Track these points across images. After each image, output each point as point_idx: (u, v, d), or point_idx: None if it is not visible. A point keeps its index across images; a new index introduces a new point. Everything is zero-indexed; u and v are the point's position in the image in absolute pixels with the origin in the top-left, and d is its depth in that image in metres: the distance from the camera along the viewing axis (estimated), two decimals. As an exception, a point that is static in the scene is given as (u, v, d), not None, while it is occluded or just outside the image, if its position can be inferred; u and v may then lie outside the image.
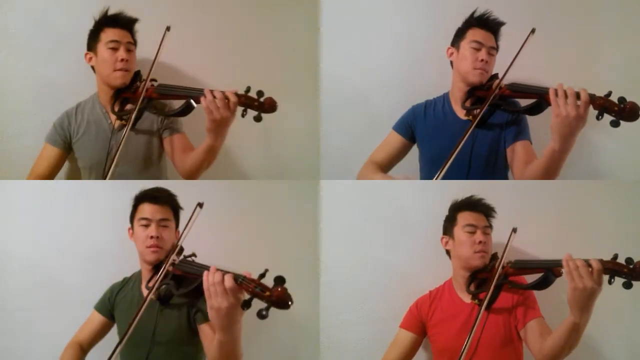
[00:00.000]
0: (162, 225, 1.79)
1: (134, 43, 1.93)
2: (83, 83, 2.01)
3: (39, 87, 2.06)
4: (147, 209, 1.80)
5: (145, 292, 1.79)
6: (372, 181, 2.05)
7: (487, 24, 1.93)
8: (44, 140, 1.98)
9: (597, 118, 1.64)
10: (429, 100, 2.04)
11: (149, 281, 1.76)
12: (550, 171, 1.76)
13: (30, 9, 2.06)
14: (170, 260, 1.70)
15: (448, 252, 1.90)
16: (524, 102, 1.89)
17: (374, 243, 2.00)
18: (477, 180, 1.95)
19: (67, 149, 1.99)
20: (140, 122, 1.90)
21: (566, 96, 1.64)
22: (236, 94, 1.70)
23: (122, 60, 1.88)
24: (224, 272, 1.46)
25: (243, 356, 1.59)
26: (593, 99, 1.64)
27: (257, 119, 1.70)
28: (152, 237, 1.77)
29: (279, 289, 1.39)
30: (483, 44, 1.90)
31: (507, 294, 1.79)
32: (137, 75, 1.91)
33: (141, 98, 1.85)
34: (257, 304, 1.42)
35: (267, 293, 1.39)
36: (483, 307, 1.75)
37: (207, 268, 1.50)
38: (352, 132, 2.10)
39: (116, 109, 1.91)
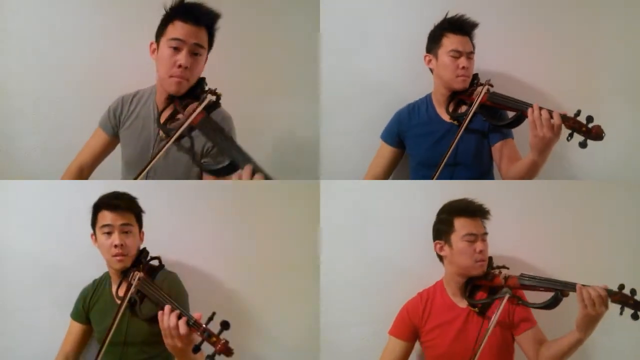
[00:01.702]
0: (124, 232, 1.75)
1: (208, 45, 1.72)
2: (84, 83, 2.01)
3: (39, 88, 2.06)
4: (108, 216, 1.75)
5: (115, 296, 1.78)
6: (372, 181, 2.05)
7: (462, 28, 1.94)
8: (48, 138, 1.96)
9: (567, 139, 1.71)
10: (411, 104, 2.06)
11: (118, 287, 1.76)
12: (531, 175, 1.84)
13: (30, 9, 2.06)
14: (137, 277, 1.69)
15: (441, 257, 1.88)
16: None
17: (374, 243, 1.99)
18: (477, 180, 1.96)
19: (116, 135, 1.91)
20: (185, 140, 1.67)
21: (541, 117, 1.71)
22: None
23: (179, 66, 1.65)
24: (179, 315, 1.51)
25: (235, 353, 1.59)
26: (565, 120, 1.71)
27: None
28: (116, 245, 1.73)
29: (222, 342, 1.47)
30: (462, 52, 1.92)
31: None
32: (200, 83, 1.70)
33: (186, 123, 1.60)
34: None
35: (214, 339, 1.48)
36: (491, 327, 1.72)
37: (165, 300, 1.57)
38: (352, 132, 2.10)
39: (162, 119, 1.72)
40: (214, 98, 1.61)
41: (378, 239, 2.00)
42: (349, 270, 1.99)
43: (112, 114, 1.89)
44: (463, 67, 1.91)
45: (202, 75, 1.74)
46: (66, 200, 2.00)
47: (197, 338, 1.50)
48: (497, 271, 1.80)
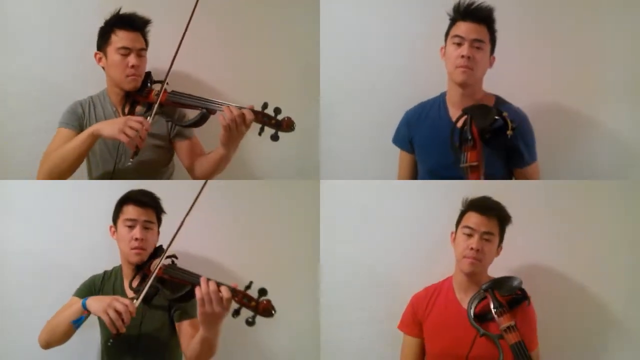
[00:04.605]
0: (146, 228, 1.80)
1: (146, 46, 1.89)
2: (83, 83, 2.01)
3: (39, 87, 2.07)
4: (133, 211, 1.81)
5: (127, 290, 1.82)
6: (372, 181, 2.05)
7: (471, 14, 1.76)
8: (48, 138, 1.94)
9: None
10: (422, 103, 1.97)
11: (132, 280, 1.79)
12: None
13: (31, 9, 2.06)
14: (159, 265, 1.71)
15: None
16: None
17: (374, 243, 2.00)
18: (477, 180, 1.95)
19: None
20: (151, 126, 1.83)
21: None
22: (253, 111, 1.74)
23: (132, 66, 1.85)
24: (219, 283, 1.55)
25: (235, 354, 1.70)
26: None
27: (274, 138, 1.75)
28: (136, 239, 1.78)
29: (264, 302, 1.54)
30: (464, 38, 1.74)
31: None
32: (148, 76, 1.89)
33: (156, 105, 1.82)
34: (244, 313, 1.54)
35: (253, 303, 1.54)
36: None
37: (196, 276, 1.61)
38: (352, 132, 2.10)
39: (126, 110, 1.88)
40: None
41: (378, 239, 2.00)
42: (349, 270, 1.99)
43: (73, 114, 1.91)
44: (462, 56, 1.72)
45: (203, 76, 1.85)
46: (66, 200, 2.01)
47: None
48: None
